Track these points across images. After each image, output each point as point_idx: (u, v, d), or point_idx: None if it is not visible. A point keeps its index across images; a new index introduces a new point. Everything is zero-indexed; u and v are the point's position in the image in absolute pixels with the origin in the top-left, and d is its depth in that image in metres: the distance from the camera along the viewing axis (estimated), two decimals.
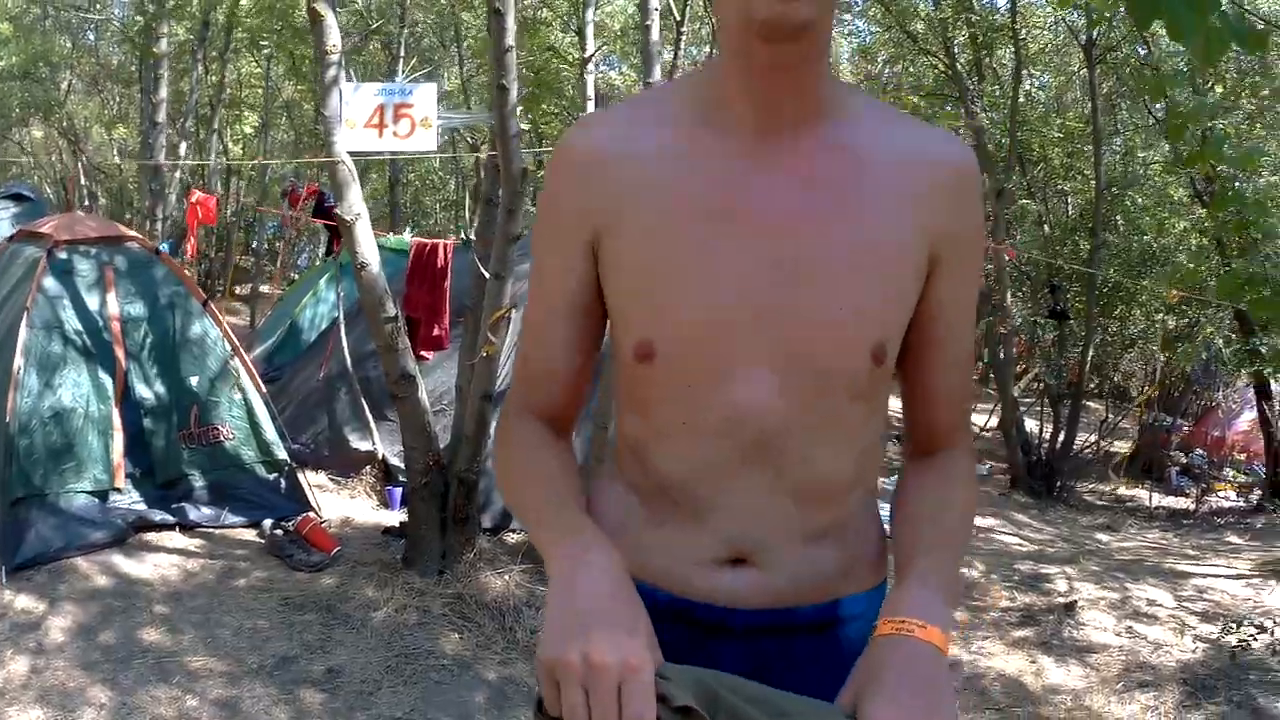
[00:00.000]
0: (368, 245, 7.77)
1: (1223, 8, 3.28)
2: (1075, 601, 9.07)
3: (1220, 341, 14.80)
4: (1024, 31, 17.17)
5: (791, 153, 1.95)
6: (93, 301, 8.59)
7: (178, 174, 21.72)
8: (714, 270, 1.94)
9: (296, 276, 23.61)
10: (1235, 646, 7.27)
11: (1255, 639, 7.11)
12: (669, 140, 2.01)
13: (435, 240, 10.64)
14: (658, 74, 8.53)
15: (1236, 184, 12.42)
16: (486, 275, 7.78)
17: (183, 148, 22.68)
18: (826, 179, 1.95)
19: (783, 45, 1.82)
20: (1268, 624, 7.09)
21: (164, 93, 19.71)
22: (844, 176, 1.96)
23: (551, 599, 1.77)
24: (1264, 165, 13.57)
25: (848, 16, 23.49)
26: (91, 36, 30.83)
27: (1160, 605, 9.35)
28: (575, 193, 2.06)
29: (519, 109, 7.62)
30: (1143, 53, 15.71)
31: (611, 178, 2.00)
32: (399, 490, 9.69)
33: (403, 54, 23.86)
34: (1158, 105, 11.91)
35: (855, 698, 1.72)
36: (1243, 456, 17.81)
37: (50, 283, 8.49)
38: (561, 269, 2.10)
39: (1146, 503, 15.26)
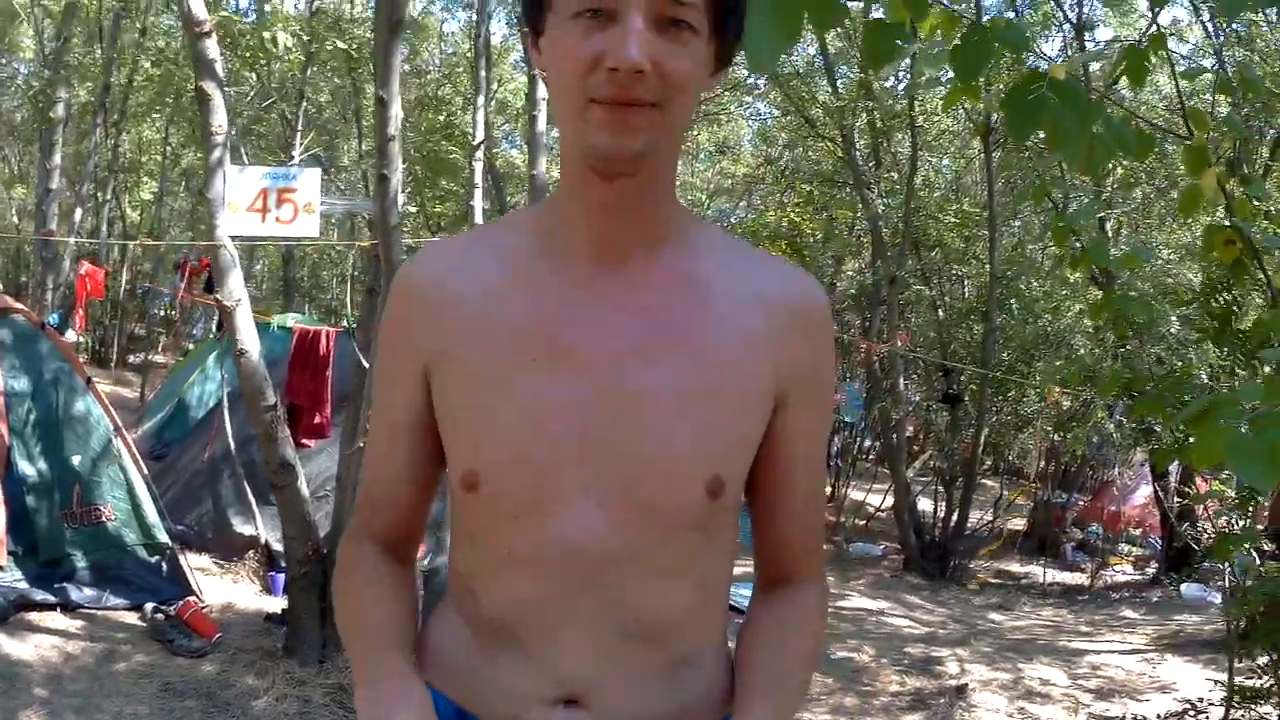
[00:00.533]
0: (248, 332, 7.72)
1: (1108, 112, 3.27)
2: (967, 684, 9.12)
3: (1111, 425, 14.92)
4: (921, 118, 17.35)
5: (628, 285, 1.95)
6: None
7: (73, 241, 21.56)
8: (537, 402, 1.92)
9: (191, 347, 23.47)
10: None
11: None
12: (505, 272, 2.00)
13: (317, 328, 10.61)
14: (543, 163, 8.55)
15: (1124, 276, 12.59)
16: (366, 365, 7.73)
17: (79, 213, 22.53)
18: (664, 312, 1.94)
19: (618, 181, 1.82)
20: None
21: (58, 159, 19.58)
22: (682, 310, 1.95)
23: None
24: (1151, 258, 13.78)
25: (749, 99, 23.68)
26: None
27: (1053, 684, 9.44)
28: (409, 324, 2.05)
29: (405, 192, 7.59)
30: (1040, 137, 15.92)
31: (444, 311, 2.00)
32: (282, 576, 9.60)
33: (300, 127, 23.79)
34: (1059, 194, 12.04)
35: None
36: (1138, 531, 17.97)
37: None
38: (398, 397, 2.09)
39: (1040, 580, 15.34)
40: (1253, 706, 6.10)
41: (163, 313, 30.19)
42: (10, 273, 31.71)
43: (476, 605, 2.05)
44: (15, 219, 31.96)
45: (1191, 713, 6.90)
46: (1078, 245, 4.34)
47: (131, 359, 26.18)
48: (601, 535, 1.91)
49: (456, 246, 2.20)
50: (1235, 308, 4.99)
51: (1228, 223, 3.71)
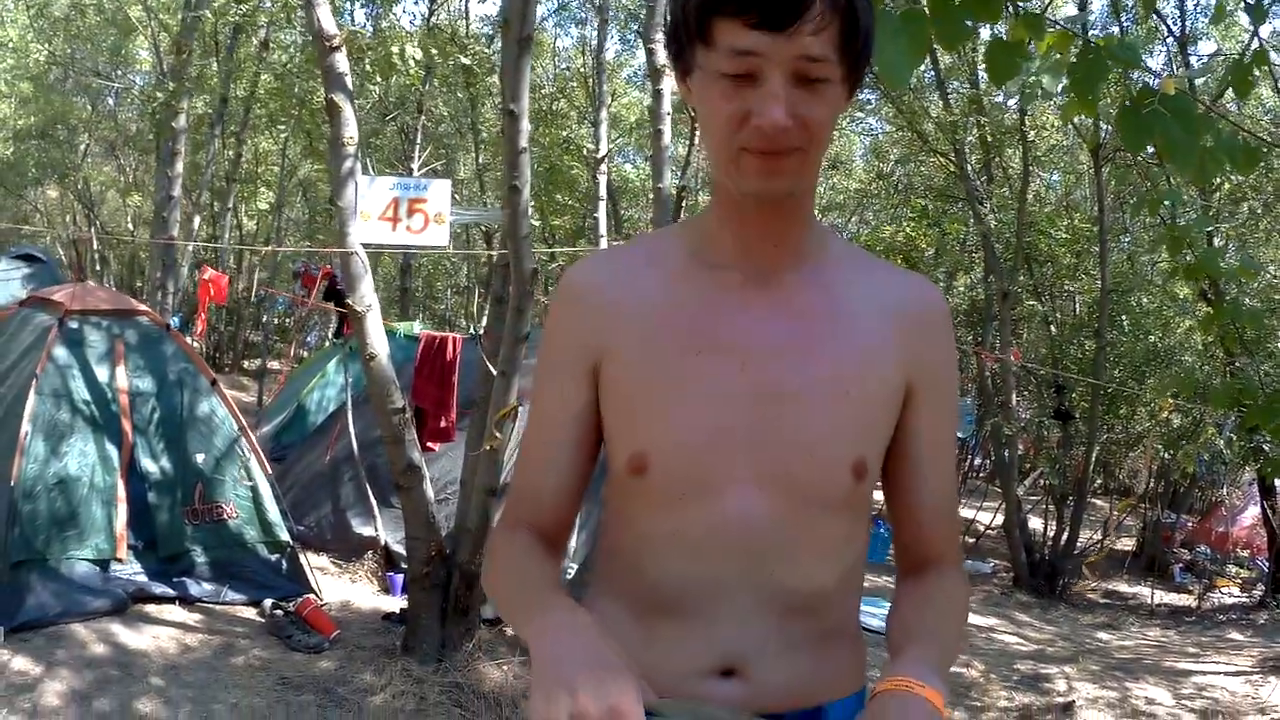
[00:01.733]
0: (378, 336, 7.86)
1: (1216, 126, 3.35)
2: (1074, 701, 9.07)
3: (1222, 442, 14.81)
4: (1032, 133, 17.29)
5: (776, 290, 2.12)
6: (102, 373, 8.67)
7: (190, 248, 21.82)
8: (703, 393, 2.07)
9: (306, 354, 23.68)
10: None
11: None
12: (664, 277, 2.17)
13: (444, 334, 10.72)
14: (669, 177, 8.62)
15: (1233, 291, 12.51)
16: (494, 371, 7.85)
17: (196, 220, 22.79)
18: (808, 314, 2.12)
19: (769, 212, 2.06)
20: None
21: (179, 167, 19.83)
22: (824, 312, 2.13)
23: (535, 667, 1.81)
24: (1263, 269, 13.70)
25: (860, 114, 23.67)
26: (111, 101, 30.97)
27: (1159, 704, 9.36)
28: (576, 324, 2.20)
29: (530, 206, 7.70)
30: (1152, 152, 15.83)
31: (610, 311, 2.15)
32: (400, 576, 9.70)
33: (419, 141, 24.00)
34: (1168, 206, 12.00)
35: None
36: (1246, 552, 17.79)
37: (60, 352, 8.57)
38: (560, 397, 2.22)
39: (1148, 600, 15.22)
40: None
41: (278, 321, 30.49)
42: (125, 279, 32.08)
43: (637, 584, 2.19)
44: (131, 226, 32.29)
45: None
46: (1189, 256, 4.39)
47: (246, 365, 26.40)
48: (761, 515, 2.07)
49: (618, 254, 2.39)
50: None
51: None
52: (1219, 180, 14.32)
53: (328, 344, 20.53)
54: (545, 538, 2.27)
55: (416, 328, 13.59)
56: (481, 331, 9.52)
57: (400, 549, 9.85)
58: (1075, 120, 14.35)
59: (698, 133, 10.44)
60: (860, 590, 2.31)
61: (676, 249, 2.21)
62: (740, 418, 2.06)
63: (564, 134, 24.08)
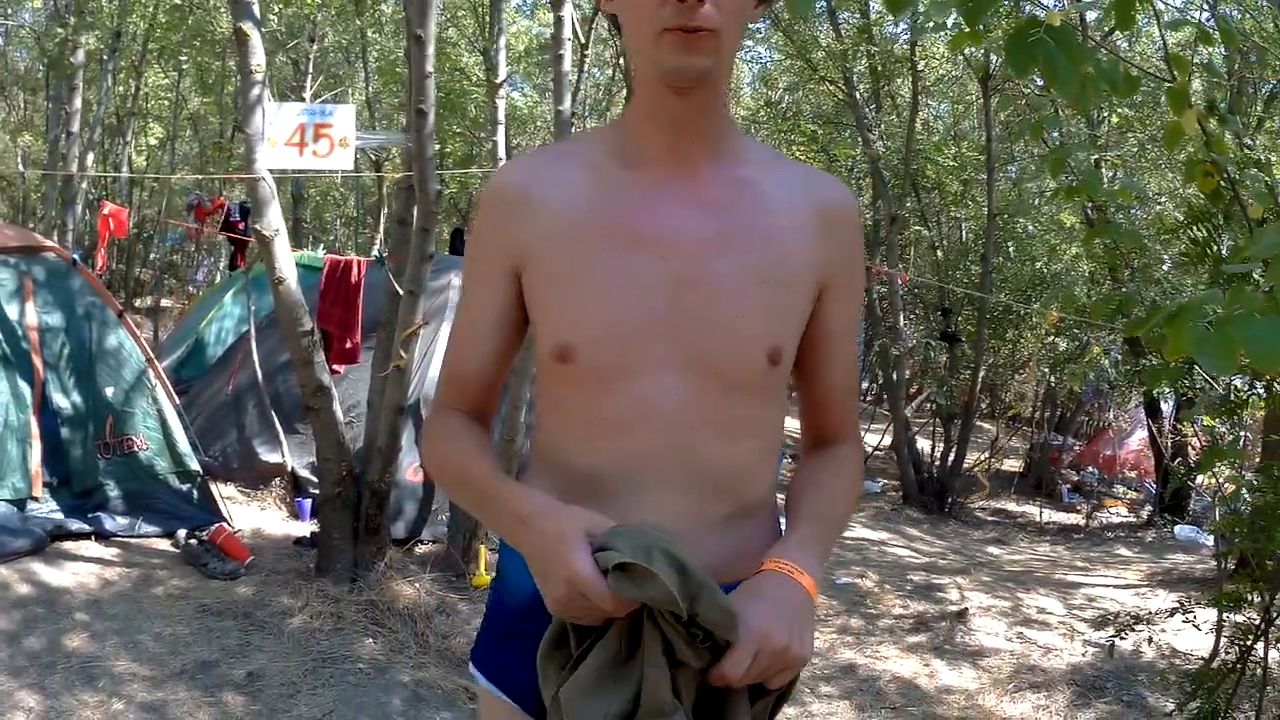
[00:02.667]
0: (285, 261, 7.92)
1: (1099, 56, 3.60)
2: (967, 609, 9.33)
3: (1106, 362, 15.13)
4: (922, 63, 17.48)
5: (696, 185, 2.28)
6: (12, 311, 8.64)
7: (84, 184, 21.64)
8: (625, 283, 2.24)
9: (195, 291, 23.57)
10: (1108, 642, 7.54)
11: (1127, 633, 7.36)
12: (587, 176, 2.32)
13: (349, 258, 10.78)
14: (568, 101, 8.75)
15: (1115, 215, 12.79)
16: (400, 291, 7.98)
17: (89, 158, 22.59)
18: (727, 208, 2.28)
19: (689, 97, 2.19)
20: (1142, 617, 7.36)
21: (78, 103, 19.67)
22: (743, 206, 2.29)
23: (533, 564, 2.11)
24: (1143, 196, 13.99)
25: (750, 43, 23.76)
26: (0, 41, 30.53)
27: (1050, 613, 9.64)
28: (500, 227, 2.36)
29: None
30: (1039, 84, 16.07)
31: (535, 211, 2.30)
32: (308, 501, 9.82)
33: (310, 71, 23.90)
34: (1055, 135, 12.26)
35: (734, 604, 2.01)
36: (1133, 474, 18.17)
37: None
38: (487, 294, 2.40)
39: (1037, 519, 15.55)
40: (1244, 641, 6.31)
41: (166, 259, 30.26)
42: (17, 219, 31.67)
43: (565, 467, 2.36)
44: (21, 167, 31.85)
45: (1181, 613, 7.14)
46: (1073, 179, 4.62)
47: (138, 303, 26.19)
48: (681, 397, 2.24)
49: (539, 157, 2.52)
50: (1215, 236, 5.28)
51: (1206, 157, 4.02)
52: (1105, 112, 14.58)
53: (220, 277, 20.46)
54: (473, 415, 2.50)
55: (319, 254, 13.60)
56: (385, 254, 9.60)
57: (307, 474, 9.98)
58: (966, 51, 14.57)
59: (586, 60, 10.51)
60: (775, 473, 2.50)
61: (599, 149, 2.36)
62: (661, 306, 2.22)
63: (456, 61, 24.09)
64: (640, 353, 2.24)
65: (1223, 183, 4.07)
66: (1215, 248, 5.24)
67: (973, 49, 13.61)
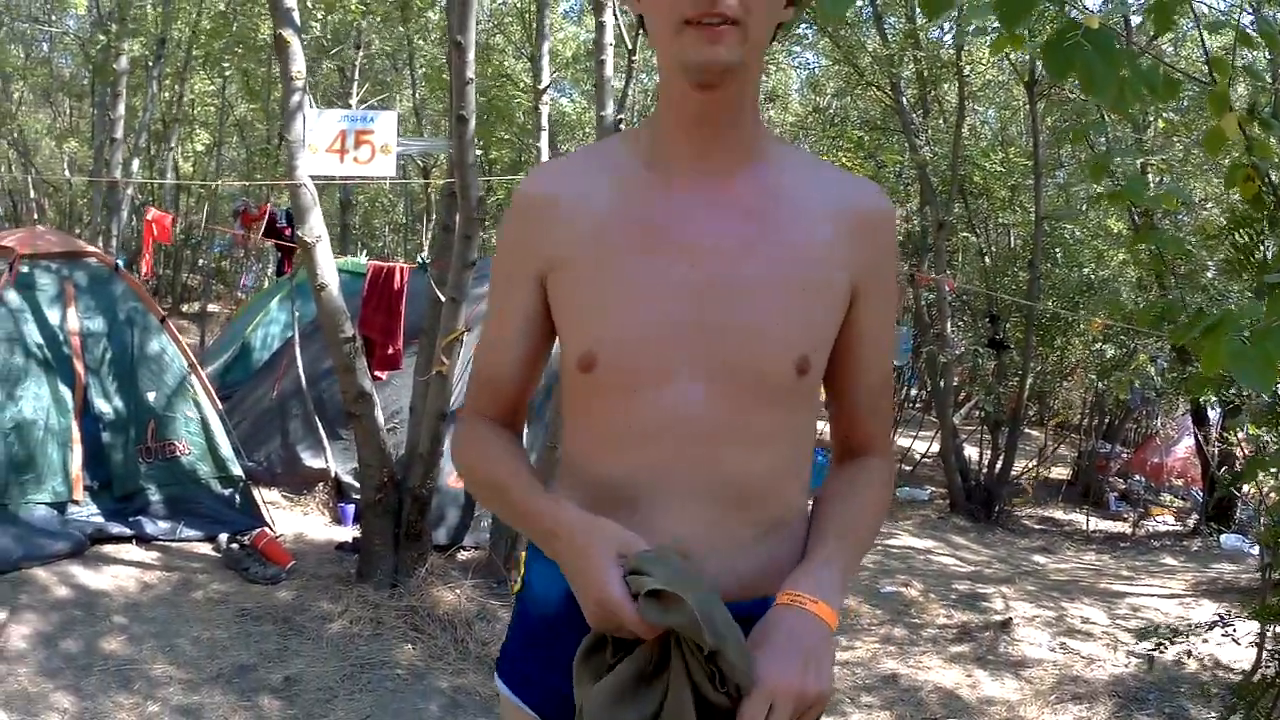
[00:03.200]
0: (327, 266, 7.97)
1: (1138, 59, 3.55)
2: (1011, 619, 9.26)
3: (1151, 369, 15.03)
4: (968, 68, 17.40)
5: (725, 190, 2.22)
6: (54, 316, 8.70)
7: (129, 190, 21.72)
8: (651, 290, 2.19)
9: (242, 296, 23.62)
10: (1148, 654, 7.44)
11: (1168, 645, 7.28)
12: (614, 182, 2.28)
13: (391, 264, 10.79)
14: (611, 107, 8.73)
15: (1161, 220, 12.70)
16: (442, 298, 7.97)
17: (135, 164, 22.67)
18: (758, 213, 2.22)
19: (713, 93, 2.11)
20: (1182, 630, 7.29)
21: (121, 109, 19.74)
22: (773, 212, 2.23)
23: (568, 577, 2.10)
24: (1188, 202, 13.89)
25: (797, 49, 23.73)
26: (45, 47, 30.66)
27: (1094, 623, 9.55)
28: (527, 234, 2.32)
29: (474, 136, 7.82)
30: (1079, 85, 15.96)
31: (562, 217, 2.27)
32: (351, 507, 9.84)
33: (356, 77, 23.96)
34: (1100, 141, 12.18)
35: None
36: (1181, 482, 18.06)
37: (12, 296, 8.59)
38: (515, 300, 2.36)
39: (1083, 527, 15.45)
40: None
41: (214, 264, 30.37)
42: (64, 225, 31.80)
43: (590, 476, 2.32)
44: (67, 173, 32.01)
45: (1221, 625, 7.06)
46: (1117, 183, 4.56)
47: (185, 308, 26.30)
48: (705, 409, 2.18)
49: (567, 163, 2.45)
50: (1258, 242, 5.21)
51: (1248, 162, 3.96)
52: (1151, 117, 14.48)
53: (267, 283, 20.50)
54: (503, 422, 2.47)
55: (363, 260, 13.64)
56: (428, 260, 9.60)
57: (350, 480, 9.98)
58: (1011, 56, 14.51)
59: (634, 66, 10.48)
60: (806, 485, 2.42)
61: (626, 153, 2.32)
62: (686, 312, 2.17)
63: (501, 67, 24.13)
64: (665, 360, 2.19)
65: (1263, 188, 4.01)
66: (1259, 254, 5.17)
67: (1017, 54, 13.56)
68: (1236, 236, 5.30)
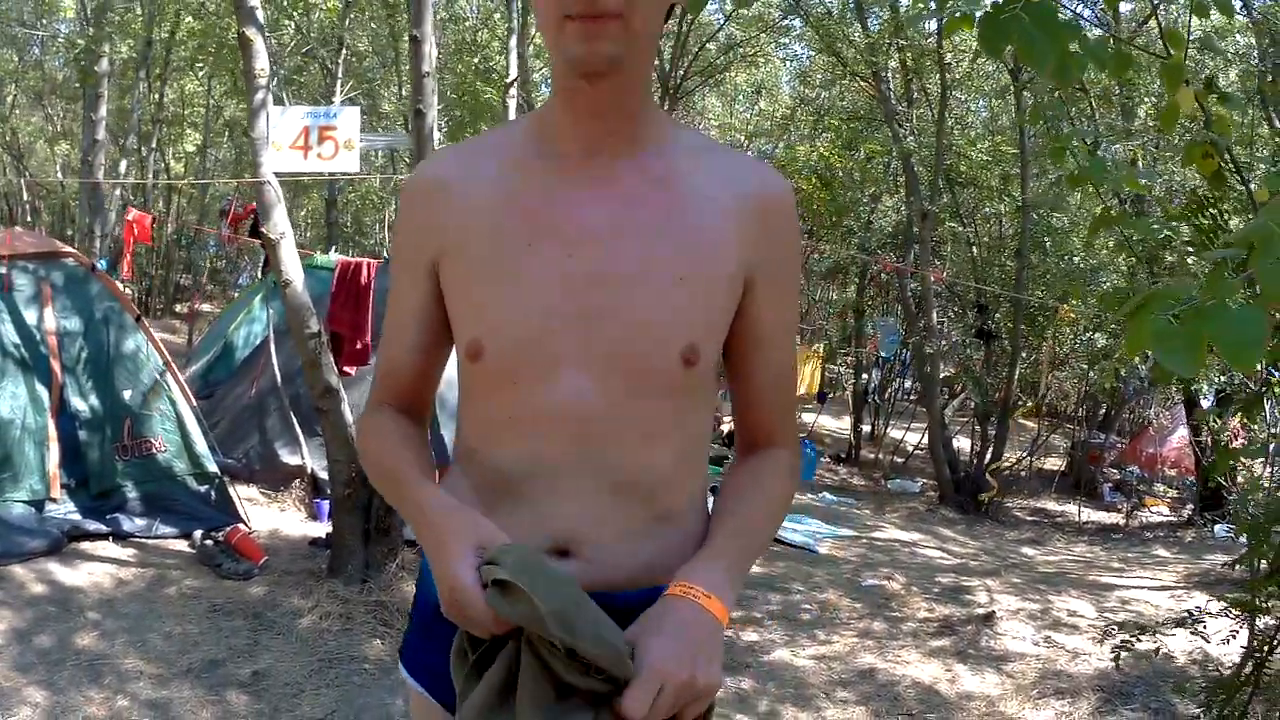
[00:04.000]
0: (292, 263, 7.98)
1: (1084, 32, 3.49)
2: (994, 612, 9.22)
3: (1137, 359, 14.99)
4: (950, 56, 17.37)
5: (612, 179, 2.20)
6: (30, 316, 8.72)
7: (118, 191, 21.74)
8: (534, 279, 2.16)
9: (236, 295, 23.63)
10: (1115, 650, 7.39)
11: (1134, 644, 7.21)
12: (504, 169, 2.26)
13: (359, 259, 10.78)
14: None
15: (1149, 207, 12.65)
16: None
17: (123, 165, 22.70)
18: (644, 201, 2.19)
19: (600, 85, 2.10)
20: (1150, 627, 7.23)
21: (104, 111, 19.74)
22: (662, 200, 2.20)
23: (430, 565, 2.09)
24: (1153, 180, 13.82)
25: (785, 40, 23.74)
26: (37, 50, 30.73)
27: (1081, 616, 9.51)
28: (417, 222, 2.33)
29: (442, 132, 7.80)
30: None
31: (450, 204, 2.26)
32: (327, 503, 9.82)
33: (340, 75, 23.98)
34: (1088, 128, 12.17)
35: (635, 637, 1.96)
36: (1174, 472, 18.06)
37: None
38: (409, 285, 2.36)
39: (1076, 518, 15.44)
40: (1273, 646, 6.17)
41: (208, 264, 30.42)
42: (56, 227, 31.91)
43: (480, 465, 2.31)
44: (60, 175, 32.12)
45: (1191, 621, 7.00)
46: (1077, 166, 4.51)
47: (178, 308, 26.35)
48: (590, 399, 2.16)
49: (461, 149, 2.43)
50: (1219, 221, 5.15)
51: (1206, 138, 3.91)
52: (1137, 102, 14.47)
53: (257, 282, 20.53)
54: (406, 412, 2.45)
55: (333, 256, 13.62)
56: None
57: (326, 476, 9.97)
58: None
59: None
60: (703, 475, 2.41)
61: (520, 140, 2.29)
62: (569, 304, 2.15)
63: (485, 62, 24.14)
64: (549, 351, 2.17)
65: (1223, 164, 3.95)
66: (1220, 235, 5.11)
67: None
68: (1198, 219, 5.23)
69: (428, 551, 2.07)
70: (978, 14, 3.16)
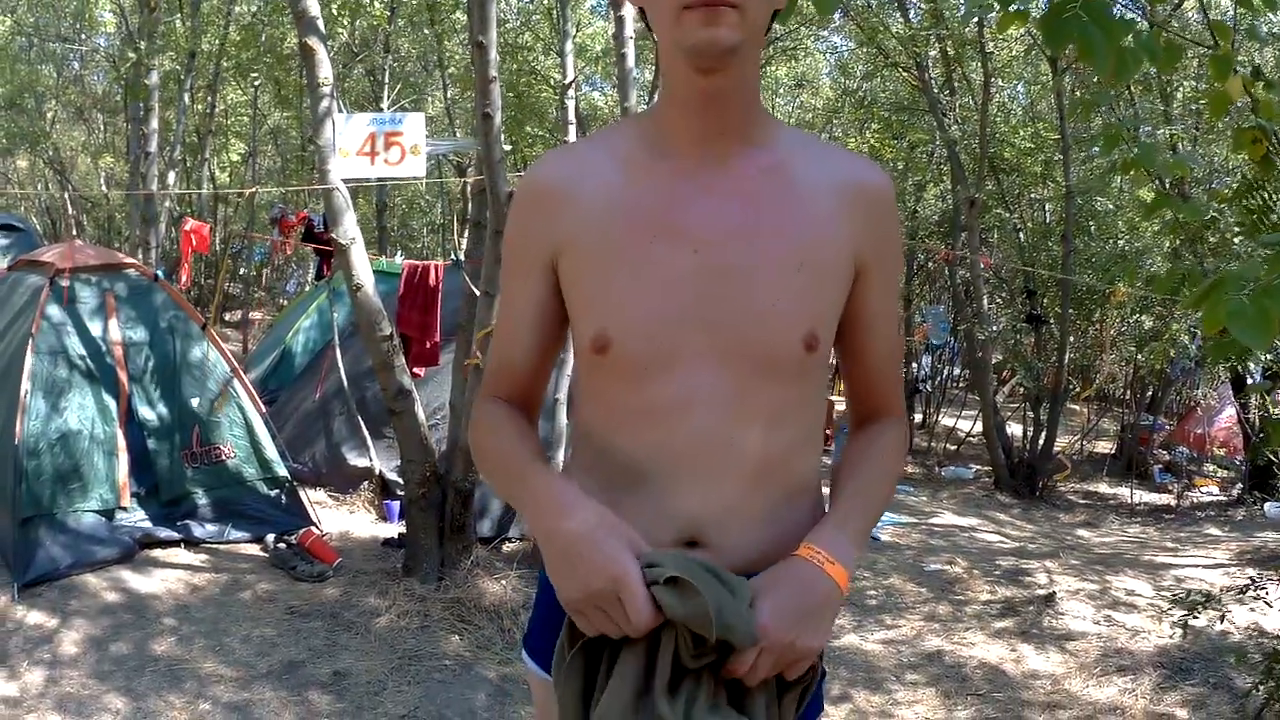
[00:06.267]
0: (362, 267, 8.09)
1: (1138, 28, 3.60)
2: (1055, 593, 9.28)
3: (1188, 339, 14.96)
4: (991, 44, 17.33)
5: (727, 175, 2.27)
6: (95, 327, 8.82)
7: (166, 202, 21.84)
8: (659, 273, 2.24)
9: (285, 303, 23.71)
10: (1181, 620, 7.42)
11: (1199, 612, 7.26)
12: (619, 169, 2.33)
13: (427, 262, 10.86)
14: (634, 98, 8.80)
15: (1193, 189, 12.63)
16: (477, 293, 8.04)
17: (171, 176, 22.79)
18: (760, 195, 2.27)
19: (714, 77, 2.17)
20: (1215, 595, 7.28)
21: (155, 124, 19.85)
22: (775, 194, 2.28)
23: (541, 547, 2.14)
24: (1199, 169, 13.82)
25: (824, 32, 23.71)
26: (77, 66, 30.83)
27: (1139, 595, 9.56)
28: (535, 221, 2.38)
29: (502, 133, 7.90)
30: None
31: (568, 205, 2.32)
32: (396, 504, 9.92)
33: (387, 81, 24.05)
34: (1123, 112, 12.19)
35: (755, 591, 2.08)
36: (1224, 451, 17.97)
37: (54, 310, 8.72)
38: (525, 283, 2.43)
39: (1128, 500, 15.42)
40: None
41: (255, 272, 30.48)
42: (103, 241, 31.97)
43: (604, 459, 2.38)
44: (104, 188, 32.20)
45: (1254, 589, 7.05)
46: (1128, 152, 4.59)
47: (228, 316, 26.42)
48: (717, 389, 2.24)
49: (573, 151, 2.51)
50: (1267, 203, 5.22)
51: (1254, 124, 3.99)
52: (1177, 85, 14.45)
53: (309, 287, 20.58)
54: (519, 405, 2.53)
55: (399, 261, 13.70)
56: (462, 257, 9.68)
57: (395, 477, 10.06)
58: (1035, 31, 14.46)
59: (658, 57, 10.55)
60: (819, 453, 2.49)
61: (632, 140, 2.37)
62: (694, 297, 2.22)
63: (530, 65, 24.17)
64: (675, 344, 2.24)
65: (1272, 148, 4.05)
66: (1272, 216, 5.18)
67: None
68: (1246, 201, 5.30)
69: (561, 543, 2.09)
70: (1035, 13, 3.25)
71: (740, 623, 2.01)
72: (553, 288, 2.40)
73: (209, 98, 26.36)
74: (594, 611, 2.05)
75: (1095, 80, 12.68)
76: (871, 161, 2.50)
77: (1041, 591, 9.46)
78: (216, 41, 23.80)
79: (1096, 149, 19.22)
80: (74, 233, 29.31)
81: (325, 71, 7.98)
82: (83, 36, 27.10)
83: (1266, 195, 5.19)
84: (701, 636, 2.02)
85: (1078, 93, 16.14)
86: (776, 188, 2.29)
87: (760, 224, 2.26)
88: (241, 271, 30.03)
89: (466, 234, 9.00)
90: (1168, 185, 13.30)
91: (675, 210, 2.27)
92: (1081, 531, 13.24)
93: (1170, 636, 8.04)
